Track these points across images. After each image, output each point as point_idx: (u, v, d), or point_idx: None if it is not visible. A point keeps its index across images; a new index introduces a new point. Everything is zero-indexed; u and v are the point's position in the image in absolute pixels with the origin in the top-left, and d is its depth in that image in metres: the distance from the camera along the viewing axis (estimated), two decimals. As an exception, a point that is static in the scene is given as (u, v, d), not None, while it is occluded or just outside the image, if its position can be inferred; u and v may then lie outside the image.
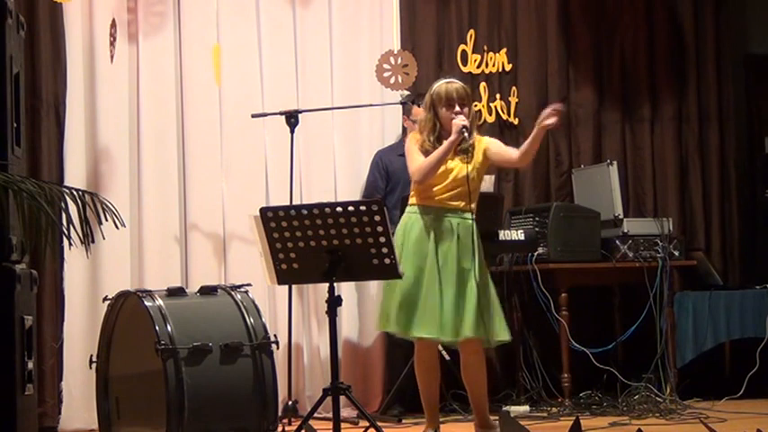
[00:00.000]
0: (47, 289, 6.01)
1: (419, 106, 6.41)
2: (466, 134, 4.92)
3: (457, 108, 4.95)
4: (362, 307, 6.61)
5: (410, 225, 5.00)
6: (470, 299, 4.88)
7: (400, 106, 6.58)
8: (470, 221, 4.99)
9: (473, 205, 5.00)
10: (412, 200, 5.07)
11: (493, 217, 6.02)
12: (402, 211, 5.54)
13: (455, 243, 4.94)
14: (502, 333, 4.98)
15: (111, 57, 6.09)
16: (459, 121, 4.92)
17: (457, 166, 4.98)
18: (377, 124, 6.77)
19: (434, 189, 4.98)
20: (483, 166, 5.07)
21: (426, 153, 4.96)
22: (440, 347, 5.52)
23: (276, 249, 4.47)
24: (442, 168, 4.95)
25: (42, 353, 5.86)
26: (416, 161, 4.97)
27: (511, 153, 5.08)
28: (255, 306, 4.79)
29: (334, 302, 4.47)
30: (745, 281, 7.26)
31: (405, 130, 6.65)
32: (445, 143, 4.92)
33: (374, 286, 6.60)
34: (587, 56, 7.33)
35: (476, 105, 6.96)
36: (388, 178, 6.53)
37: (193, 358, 4.52)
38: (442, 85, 5.02)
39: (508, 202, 6.94)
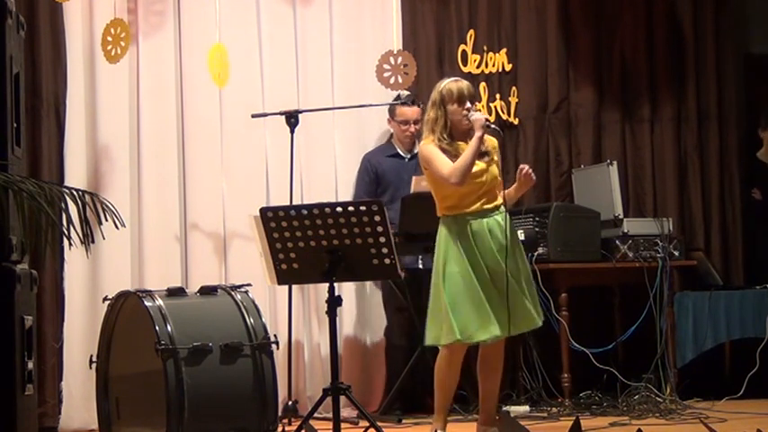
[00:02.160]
0: (47, 289, 6.01)
1: (419, 106, 6.43)
2: (490, 125, 4.90)
3: (468, 104, 4.93)
4: (362, 307, 6.61)
5: (462, 233, 4.89)
6: (520, 291, 4.91)
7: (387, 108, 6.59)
8: (502, 214, 4.97)
9: (500, 199, 5.00)
10: (448, 211, 4.94)
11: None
12: (401, 212, 5.56)
13: (494, 243, 4.90)
14: (538, 319, 5.04)
15: (117, 57, 6.07)
16: (480, 116, 4.88)
17: (484, 168, 4.94)
18: (378, 124, 6.77)
19: (471, 198, 4.91)
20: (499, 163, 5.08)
21: (444, 152, 4.91)
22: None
23: (276, 249, 4.48)
24: (475, 171, 4.87)
25: (42, 353, 5.86)
26: (446, 164, 4.84)
27: (500, 184, 5.07)
28: (255, 306, 4.80)
29: (334, 302, 4.47)
30: (745, 281, 7.26)
31: (391, 135, 6.66)
32: (474, 141, 4.82)
33: (375, 286, 6.61)
34: (587, 56, 7.33)
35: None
36: (378, 180, 6.53)
37: (193, 358, 4.52)
38: (451, 83, 4.98)
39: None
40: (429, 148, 4.93)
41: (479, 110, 5.03)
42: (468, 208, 4.91)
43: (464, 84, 5.00)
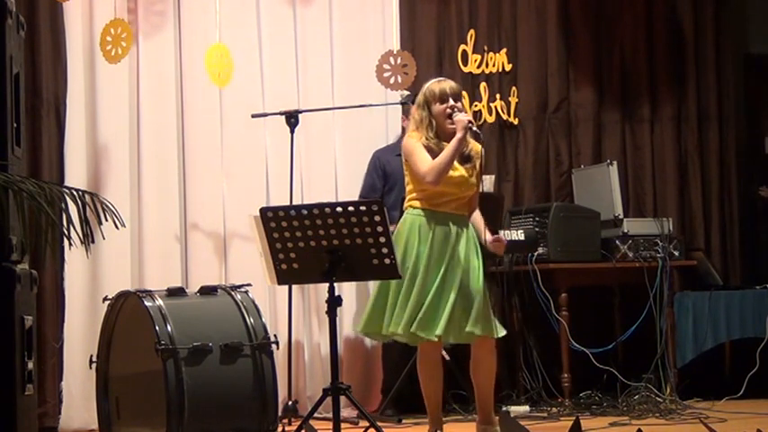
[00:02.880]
0: (47, 289, 6.01)
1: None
2: (473, 128, 4.89)
3: (451, 102, 4.92)
4: (362, 307, 6.61)
5: (421, 228, 4.91)
6: (476, 299, 4.88)
7: (400, 106, 6.57)
8: (470, 226, 5.00)
9: (466, 211, 5.02)
10: (415, 203, 4.98)
11: (493, 217, 6.01)
12: (401, 211, 5.53)
13: (462, 246, 4.92)
14: (501, 329, 4.99)
15: (117, 57, 6.07)
16: (463, 117, 4.86)
17: (465, 176, 4.94)
18: (377, 124, 6.77)
19: (444, 199, 4.92)
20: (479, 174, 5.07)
21: (429, 150, 4.92)
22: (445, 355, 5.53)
23: (276, 249, 4.47)
24: (454, 175, 4.88)
25: (43, 353, 5.85)
26: (426, 161, 4.85)
27: (475, 194, 5.04)
28: (255, 306, 4.80)
29: (334, 302, 4.47)
30: (745, 281, 7.27)
31: (404, 131, 6.65)
32: (454, 141, 4.81)
33: (374, 286, 6.60)
34: (587, 56, 7.33)
35: (476, 105, 6.98)
36: (385, 178, 6.53)
37: (193, 358, 4.52)
38: (434, 84, 4.99)
39: (508, 202, 6.94)
40: (411, 142, 4.94)
41: (465, 111, 5.01)
42: (437, 207, 4.92)
43: (447, 83, 4.99)
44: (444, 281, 4.85)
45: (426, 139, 4.92)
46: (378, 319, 4.94)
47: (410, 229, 4.93)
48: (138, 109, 6.33)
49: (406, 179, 5.04)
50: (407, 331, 4.84)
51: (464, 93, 5.09)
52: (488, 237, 4.97)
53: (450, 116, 4.90)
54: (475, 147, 5.00)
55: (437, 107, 4.94)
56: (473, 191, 4.98)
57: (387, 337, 5.00)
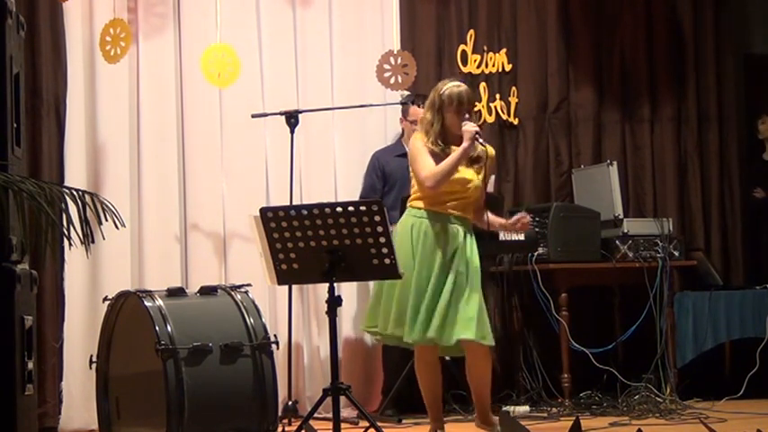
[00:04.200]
0: (47, 289, 6.01)
1: (419, 106, 6.42)
2: (480, 140, 4.88)
3: (466, 115, 4.90)
4: (362, 307, 6.61)
5: (421, 230, 4.92)
6: (472, 301, 4.88)
7: (400, 107, 6.57)
8: (470, 227, 5.00)
9: (471, 215, 5.03)
10: (418, 203, 5.00)
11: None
12: (401, 212, 5.53)
13: (459, 249, 4.92)
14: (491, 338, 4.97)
15: (116, 57, 6.07)
16: (471, 127, 4.84)
17: (473, 178, 4.94)
18: (377, 124, 6.77)
19: (449, 200, 4.92)
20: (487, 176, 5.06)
21: (434, 154, 4.91)
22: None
23: (276, 249, 4.47)
24: (458, 177, 4.89)
25: (43, 353, 5.85)
26: (428, 166, 4.86)
27: (481, 194, 5.03)
28: (255, 306, 4.79)
29: (334, 302, 4.47)
30: (745, 281, 7.27)
31: (403, 131, 6.65)
32: (459, 150, 4.82)
33: (375, 285, 6.60)
34: (587, 56, 7.33)
35: (475, 105, 6.97)
36: (385, 179, 6.53)
37: (193, 358, 4.52)
38: (453, 88, 4.93)
39: (508, 202, 6.94)
40: (417, 145, 4.95)
41: (477, 120, 5.00)
42: (440, 208, 4.92)
43: (464, 90, 4.95)
44: (438, 284, 4.85)
45: (432, 143, 4.91)
46: (377, 317, 4.95)
47: (409, 229, 4.94)
48: (138, 109, 6.33)
49: (412, 180, 5.05)
50: (421, 336, 4.83)
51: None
52: (509, 220, 4.99)
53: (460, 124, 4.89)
54: (488, 149, 4.99)
55: (451, 116, 4.91)
56: (478, 193, 4.97)
57: (388, 337, 5.00)
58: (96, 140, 6.25)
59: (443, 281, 4.87)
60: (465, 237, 4.94)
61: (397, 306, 4.89)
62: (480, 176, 4.95)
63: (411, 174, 5.05)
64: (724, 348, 6.91)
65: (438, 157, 4.90)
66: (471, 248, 4.94)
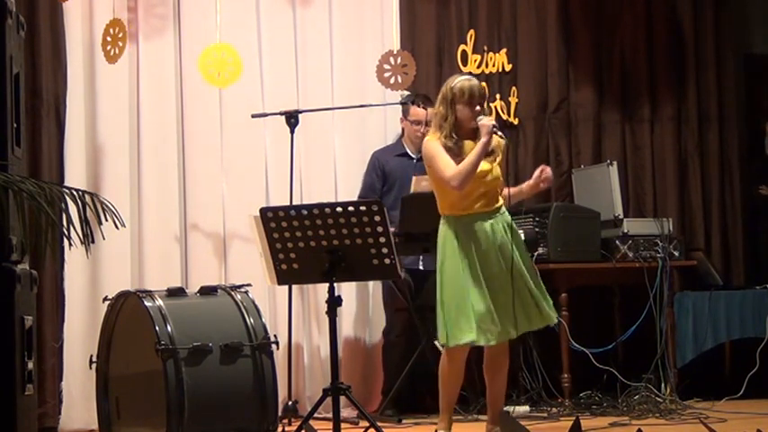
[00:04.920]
0: (47, 289, 6.01)
1: (419, 106, 6.42)
2: (497, 132, 4.86)
3: (477, 108, 4.88)
4: (362, 307, 6.61)
5: (449, 237, 4.89)
6: (525, 293, 4.89)
7: (400, 106, 6.57)
8: (503, 216, 4.96)
9: (501, 200, 4.99)
10: (445, 211, 4.92)
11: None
12: (401, 212, 5.54)
13: (495, 245, 4.88)
14: (553, 315, 5.05)
15: (115, 57, 6.06)
16: (488, 121, 4.83)
17: (489, 168, 4.91)
18: (377, 124, 6.77)
19: (472, 197, 4.88)
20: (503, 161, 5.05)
21: (448, 150, 4.87)
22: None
23: (276, 249, 4.47)
24: (479, 170, 4.85)
25: (43, 353, 5.86)
26: (449, 166, 4.80)
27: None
28: (255, 306, 4.79)
29: (334, 302, 4.47)
30: (745, 281, 7.27)
31: (403, 131, 6.66)
32: (479, 146, 4.78)
33: (375, 286, 6.61)
34: (587, 56, 7.33)
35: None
36: (384, 179, 6.53)
37: (193, 358, 4.52)
38: (464, 82, 4.92)
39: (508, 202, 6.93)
40: (433, 145, 4.88)
41: (489, 114, 4.98)
42: (468, 209, 4.88)
43: (475, 83, 4.94)
44: (501, 281, 4.84)
45: (446, 138, 4.89)
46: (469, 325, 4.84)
47: (446, 239, 4.90)
48: (138, 109, 6.33)
49: (433, 185, 4.99)
50: (510, 333, 4.85)
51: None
52: (529, 182, 5.03)
53: (474, 117, 4.88)
54: (497, 140, 4.98)
55: (463, 108, 4.88)
56: (499, 181, 4.96)
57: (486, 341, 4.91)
58: (96, 140, 6.25)
59: (503, 275, 4.84)
60: (500, 228, 4.90)
61: (460, 312, 4.83)
62: (496, 167, 4.94)
63: (428, 180, 5.00)
64: (724, 348, 6.90)
65: (451, 152, 4.85)
66: (511, 234, 4.90)
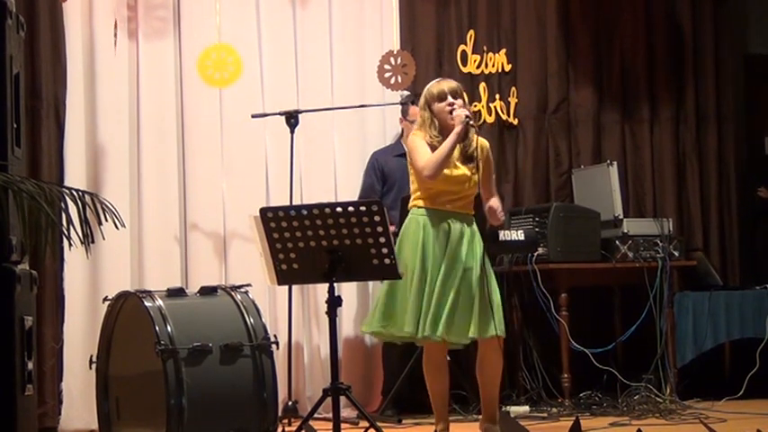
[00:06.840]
0: (47, 289, 6.00)
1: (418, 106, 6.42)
2: (470, 122, 4.93)
3: (450, 99, 4.97)
4: (362, 307, 6.61)
5: (424, 228, 4.93)
6: (477, 299, 4.88)
7: (399, 107, 6.57)
8: (472, 226, 5.01)
9: (471, 210, 5.05)
10: (419, 202, 5.00)
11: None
12: (400, 212, 5.53)
13: (464, 246, 4.93)
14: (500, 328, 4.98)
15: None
16: (461, 111, 4.93)
17: (467, 174, 4.96)
18: (377, 124, 6.78)
19: (448, 199, 4.95)
20: (484, 171, 5.06)
21: (433, 148, 4.93)
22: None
23: (276, 249, 4.47)
24: (455, 174, 4.91)
25: (42, 353, 5.86)
26: (425, 155, 4.91)
27: (487, 187, 5.03)
28: (255, 306, 4.79)
29: (334, 303, 4.47)
30: (745, 281, 7.27)
31: (403, 131, 6.65)
32: (451, 135, 4.88)
33: (374, 286, 6.60)
34: (587, 56, 7.33)
35: (475, 106, 6.97)
36: (384, 179, 6.53)
37: (193, 359, 4.51)
38: (433, 85, 5.08)
39: (508, 203, 6.94)
40: (414, 138, 5.02)
41: (465, 107, 5.03)
42: (441, 206, 4.96)
43: (445, 82, 5.08)
44: (445, 281, 4.86)
45: (430, 137, 4.97)
46: (385, 319, 4.93)
47: (414, 228, 4.95)
48: (138, 109, 6.33)
49: (411, 177, 5.07)
50: (418, 333, 4.84)
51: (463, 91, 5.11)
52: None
53: (450, 113, 4.94)
54: (482, 144, 5.01)
55: (437, 106, 5.01)
56: (475, 190, 4.99)
57: (392, 336, 5.00)
58: (96, 140, 6.25)
59: (452, 277, 4.87)
60: (468, 232, 4.95)
61: (411, 304, 4.87)
62: (475, 177, 4.95)
63: (410, 172, 5.06)
64: (724, 348, 6.91)
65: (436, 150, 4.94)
66: (476, 243, 4.95)
